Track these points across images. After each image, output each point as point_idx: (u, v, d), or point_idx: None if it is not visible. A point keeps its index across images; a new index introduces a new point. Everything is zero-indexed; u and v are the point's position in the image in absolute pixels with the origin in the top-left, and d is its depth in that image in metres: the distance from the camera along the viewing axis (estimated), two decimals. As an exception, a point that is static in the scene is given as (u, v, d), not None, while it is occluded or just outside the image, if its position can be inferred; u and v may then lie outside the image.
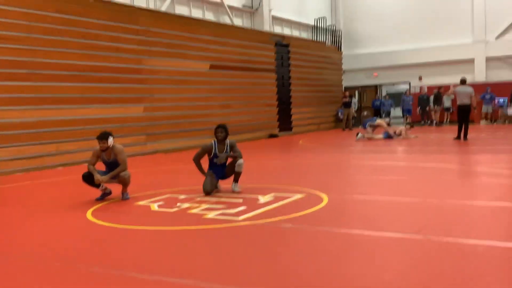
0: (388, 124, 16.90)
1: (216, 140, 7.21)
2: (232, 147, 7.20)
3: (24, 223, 5.94)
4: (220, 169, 7.23)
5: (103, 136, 6.71)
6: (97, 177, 6.71)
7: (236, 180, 7.17)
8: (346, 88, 26.38)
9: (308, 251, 4.24)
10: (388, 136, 15.86)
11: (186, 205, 6.32)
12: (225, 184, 7.40)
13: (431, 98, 23.00)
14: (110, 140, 6.73)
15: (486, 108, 22.46)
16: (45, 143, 11.52)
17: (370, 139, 15.97)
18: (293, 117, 21.50)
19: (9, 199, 8.05)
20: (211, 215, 5.68)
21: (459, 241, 4.29)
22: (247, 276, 3.66)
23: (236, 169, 7.11)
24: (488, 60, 24.33)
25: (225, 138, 7.19)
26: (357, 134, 16.48)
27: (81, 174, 6.86)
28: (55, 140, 11.74)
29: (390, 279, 3.48)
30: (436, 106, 22.83)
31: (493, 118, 22.70)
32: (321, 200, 6.30)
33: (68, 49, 12.07)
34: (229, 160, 7.29)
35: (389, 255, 4.06)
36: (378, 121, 16.51)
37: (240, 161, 7.10)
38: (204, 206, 6.21)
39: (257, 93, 19.11)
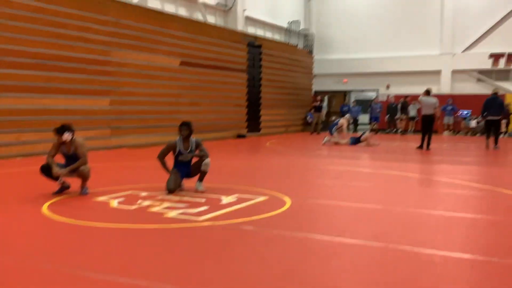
0: (350, 123, 17.16)
1: (181, 137, 7.11)
2: (198, 145, 7.11)
3: (-25, 215, 5.70)
4: (185, 167, 7.13)
5: (60, 130, 6.51)
6: (56, 170, 6.51)
7: (201, 179, 7.08)
8: (316, 93, 26.59)
9: (265, 254, 4.20)
10: (355, 142, 16.03)
11: (147, 202, 6.20)
12: (190, 183, 7.30)
13: (398, 106, 23.42)
14: (67, 134, 6.52)
15: (447, 119, 23.01)
16: (5, 132, 11.14)
17: (336, 143, 16.12)
18: (261, 119, 21.51)
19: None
20: (171, 214, 5.58)
21: (416, 250, 4.33)
22: (200, 278, 3.59)
23: (203, 168, 7.03)
24: (454, 72, 24.94)
25: (189, 135, 7.09)
26: (324, 138, 16.62)
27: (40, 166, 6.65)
28: (15, 129, 11.37)
29: (344, 285, 3.47)
30: (402, 115, 23.28)
31: (455, 129, 23.27)
32: (284, 203, 6.28)
33: (34, 36, 11.71)
34: (195, 158, 7.20)
35: (345, 262, 4.05)
36: (341, 120, 16.68)
37: (207, 160, 7.02)
38: (166, 204, 6.10)
39: (227, 92, 19.03)
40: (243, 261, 4.01)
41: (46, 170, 6.61)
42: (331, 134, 16.38)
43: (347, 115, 18.23)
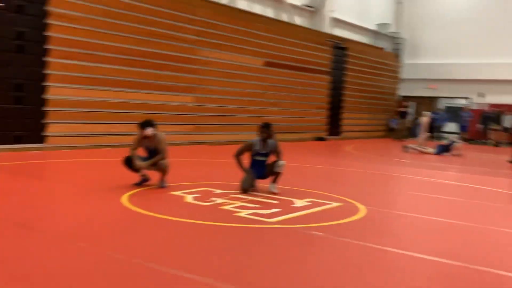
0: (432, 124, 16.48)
1: (259, 138, 7.13)
2: (275, 147, 7.10)
3: (62, 200, 6.06)
4: (260, 168, 7.14)
5: (143, 125, 6.78)
6: (137, 162, 6.78)
7: (274, 181, 7.06)
8: (402, 98, 25.67)
9: (330, 262, 4.07)
10: (441, 151, 15.25)
11: (220, 200, 6.27)
12: (264, 183, 7.30)
13: (493, 116, 22.05)
14: (150, 129, 6.76)
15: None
16: (96, 123, 11.81)
17: (421, 152, 15.42)
18: (343, 122, 21.13)
19: (53, 174, 8.29)
20: (243, 213, 5.60)
21: (490, 270, 3.99)
22: (263, 280, 3.54)
23: (276, 169, 7.00)
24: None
25: (269, 137, 7.09)
26: (408, 145, 16.00)
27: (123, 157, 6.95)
28: (105, 121, 12.02)
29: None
30: (495, 125, 21.86)
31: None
32: (358, 211, 6.09)
33: (125, 33, 12.31)
34: (270, 159, 7.19)
35: (414, 278, 3.82)
36: (423, 119, 16.00)
37: (282, 162, 6.99)
38: (238, 203, 6.13)
39: (309, 94, 18.88)
40: (309, 267, 3.91)
41: (128, 162, 6.90)
42: (416, 136, 15.78)
43: (428, 113, 17.45)
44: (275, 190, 6.97)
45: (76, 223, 4.90)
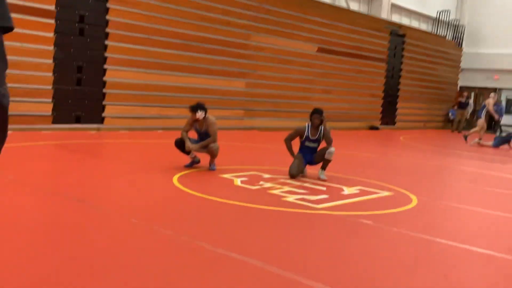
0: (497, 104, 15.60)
1: (310, 124, 7.07)
2: (325, 133, 7.02)
3: (116, 178, 6.26)
4: (310, 154, 7.09)
5: (195, 108, 6.86)
6: (188, 144, 6.90)
7: (324, 168, 6.99)
8: (462, 88, 24.71)
9: (377, 251, 3.99)
10: (500, 143, 14.53)
11: (268, 184, 6.28)
12: (313, 170, 7.24)
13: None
14: (200, 113, 6.83)
15: None
16: (149, 105, 12.10)
17: (481, 145, 14.73)
18: (398, 111, 20.61)
19: (109, 154, 8.57)
20: (290, 198, 5.58)
21: (558, 271, 3.79)
22: (309, 265, 3.52)
23: (326, 156, 6.93)
24: None
25: (321, 123, 7.02)
26: (474, 139, 15.20)
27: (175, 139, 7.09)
28: (158, 104, 12.28)
29: (467, 299, 3.15)
30: None
31: None
32: (409, 201, 5.93)
33: (181, 18, 12.48)
34: (321, 146, 7.12)
35: (467, 272, 3.69)
36: (487, 100, 15.17)
37: (332, 149, 6.91)
38: (286, 188, 6.12)
39: (363, 81, 18.50)
40: (355, 255, 3.85)
41: (180, 144, 7.03)
42: (480, 117, 15.02)
43: (492, 94, 16.57)
44: (324, 177, 6.91)
45: (129, 200, 5.05)
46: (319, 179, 6.89)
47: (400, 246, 4.20)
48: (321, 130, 7.02)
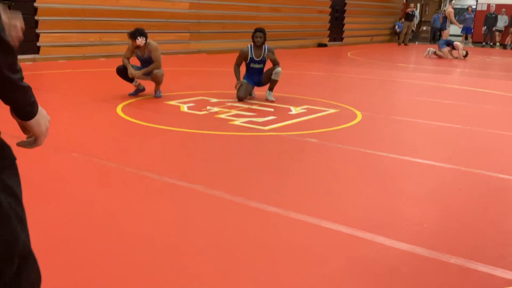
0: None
1: (253, 44, 6.91)
2: (269, 54, 6.90)
3: (56, 110, 6.00)
4: (256, 75, 7.00)
5: (133, 35, 6.50)
6: (130, 71, 6.65)
7: (271, 89, 6.94)
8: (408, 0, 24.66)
9: (320, 168, 4.08)
10: (443, 45, 14.76)
11: (215, 109, 6.20)
12: (260, 91, 7.19)
13: (499, 17, 21.24)
14: (141, 39, 6.50)
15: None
16: (88, 32, 11.46)
17: (439, 57, 14.94)
18: (345, 27, 20.48)
19: (47, 85, 8.17)
20: (237, 121, 5.56)
21: (489, 174, 4.00)
22: (255, 186, 3.56)
23: (273, 77, 6.86)
24: None
25: (263, 43, 6.88)
26: (427, 49, 15.36)
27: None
28: (98, 30, 11.65)
29: (402, 205, 3.30)
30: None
31: None
32: (355, 117, 6.03)
33: None
34: (267, 66, 7.02)
35: (407, 181, 3.84)
36: (447, 10, 15.13)
37: (278, 69, 6.83)
38: (234, 112, 6.07)
39: (310, -3, 18.11)
40: (301, 173, 3.92)
41: (122, 72, 6.76)
42: (444, 29, 15.00)
43: (453, 2, 16.58)
44: (272, 98, 6.88)
45: (70, 133, 4.88)
46: (267, 100, 6.86)
47: (344, 161, 4.30)
48: (265, 49, 6.90)
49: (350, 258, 2.57)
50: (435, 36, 22.16)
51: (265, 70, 7.03)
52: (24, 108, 1.25)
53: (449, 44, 14.92)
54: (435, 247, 2.69)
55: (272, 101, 6.81)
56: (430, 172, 4.11)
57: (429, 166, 4.22)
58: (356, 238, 2.79)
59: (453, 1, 16.93)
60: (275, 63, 6.89)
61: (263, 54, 6.91)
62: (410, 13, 21.09)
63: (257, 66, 6.97)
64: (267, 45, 6.93)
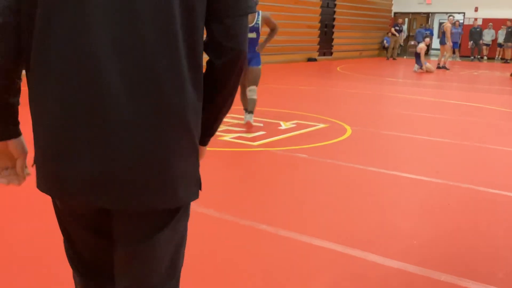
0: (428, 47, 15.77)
1: None
2: (264, 17, 5.93)
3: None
4: (251, 46, 5.72)
5: None
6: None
7: (250, 111, 6.01)
8: (396, 14, 24.98)
9: (310, 184, 4.06)
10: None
11: (205, 124, 6.17)
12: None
13: (486, 31, 21.52)
14: None
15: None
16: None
17: (428, 71, 15.02)
18: (334, 41, 20.66)
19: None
20: (226, 137, 5.53)
21: (478, 189, 4.01)
22: (243, 204, 3.53)
23: (248, 95, 5.91)
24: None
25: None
26: (414, 66, 15.44)
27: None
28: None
29: (392, 220, 3.28)
30: (507, 43, 20.59)
31: None
32: (344, 132, 6.04)
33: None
34: (261, 37, 6.01)
35: (396, 196, 3.83)
36: (419, 46, 15.18)
37: (252, 87, 5.87)
38: (223, 127, 6.05)
39: (299, 12, 18.27)
40: (292, 189, 3.90)
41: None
42: (418, 64, 15.02)
43: (427, 39, 16.79)
44: (250, 119, 6.02)
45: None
46: (245, 123, 6.05)
47: (334, 177, 4.28)
48: (258, 14, 5.84)
49: (341, 276, 2.54)
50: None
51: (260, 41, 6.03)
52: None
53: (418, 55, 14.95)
54: (425, 264, 2.67)
55: (250, 125, 6.00)
56: (419, 186, 4.10)
57: (418, 181, 4.22)
58: (347, 255, 2.76)
59: (451, 17, 17.14)
60: (273, 28, 5.96)
61: (256, 19, 5.79)
62: (398, 28, 21.34)
63: (250, 35, 5.73)
64: (261, 11, 5.85)
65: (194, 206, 3.39)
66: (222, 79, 1.19)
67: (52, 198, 1.23)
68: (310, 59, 18.84)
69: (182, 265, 1.32)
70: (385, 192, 3.96)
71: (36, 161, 1.14)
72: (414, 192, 3.99)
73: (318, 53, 19.61)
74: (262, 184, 4.05)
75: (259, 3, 16.13)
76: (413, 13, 25.99)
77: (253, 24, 5.77)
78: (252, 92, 5.90)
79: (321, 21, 19.54)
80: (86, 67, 1.04)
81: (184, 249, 1.32)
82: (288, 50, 17.75)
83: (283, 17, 17.34)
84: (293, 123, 6.42)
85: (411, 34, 25.70)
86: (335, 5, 20.29)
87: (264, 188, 3.95)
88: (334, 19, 20.40)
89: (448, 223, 3.33)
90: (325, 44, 20.08)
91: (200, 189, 1.26)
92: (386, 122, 7.12)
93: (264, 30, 6.02)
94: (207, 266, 2.58)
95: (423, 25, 24.05)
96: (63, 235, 1.32)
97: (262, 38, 6.06)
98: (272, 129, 6.04)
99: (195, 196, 1.23)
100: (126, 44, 1.04)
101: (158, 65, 1.05)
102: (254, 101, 5.97)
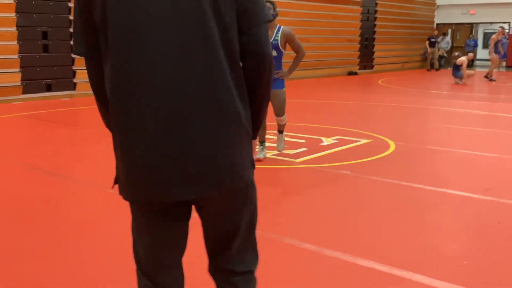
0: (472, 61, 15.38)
1: None
2: (286, 34, 5.05)
3: (91, 146, 6.14)
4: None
5: None
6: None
7: (280, 131, 5.50)
8: (438, 25, 24.53)
9: (356, 202, 4.02)
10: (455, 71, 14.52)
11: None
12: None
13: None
14: None
15: None
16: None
17: (466, 83, 14.68)
18: (375, 54, 20.46)
19: (82, 121, 8.39)
20: (268, 154, 5.55)
21: (532, 208, 3.86)
22: (287, 223, 3.53)
23: (277, 121, 5.37)
24: None
25: (274, 17, 4.95)
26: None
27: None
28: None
29: (440, 240, 3.20)
30: None
31: None
32: (387, 147, 5.95)
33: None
34: (287, 59, 5.51)
35: (443, 215, 3.74)
36: (460, 59, 14.76)
37: (282, 118, 5.32)
38: (266, 144, 6.07)
39: (339, 27, 18.23)
40: (334, 208, 3.87)
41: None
42: (455, 77, 14.69)
43: (470, 54, 16.38)
44: (281, 148, 5.53)
45: (103, 169, 4.97)
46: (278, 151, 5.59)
47: (378, 194, 4.22)
48: (278, 30, 5.05)
49: (387, 298, 2.49)
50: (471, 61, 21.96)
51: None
52: None
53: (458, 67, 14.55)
54: (475, 286, 2.59)
55: (280, 152, 5.53)
56: (467, 204, 3.99)
57: (466, 198, 4.10)
58: (393, 276, 2.71)
59: (500, 28, 16.70)
60: (299, 50, 5.18)
61: (275, 35, 5.02)
62: (433, 39, 20.96)
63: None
64: (282, 26, 5.09)
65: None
66: (256, 79, 1.46)
67: (135, 203, 1.49)
68: (350, 73, 18.71)
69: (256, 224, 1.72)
70: (431, 210, 3.87)
71: (123, 176, 1.43)
72: (462, 210, 3.88)
73: (358, 66, 19.46)
74: (305, 201, 4.03)
75: (300, 19, 16.26)
76: (456, 24, 25.45)
77: (271, 40, 4.97)
78: (281, 120, 5.36)
79: (361, 35, 19.41)
80: (160, 93, 1.33)
81: (257, 213, 1.75)
82: (328, 64, 17.70)
83: (323, 31, 17.37)
84: (335, 139, 6.39)
85: (455, 45, 25.17)
86: (375, 18, 20.13)
87: (307, 205, 3.94)
88: (374, 32, 20.23)
89: (499, 242, 3.22)
90: (366, 58, 19.91)
91: (254, 167, 1.56)
92: (430, 137, 6.97)
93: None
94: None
95: (471, 36, 23.56)
96: (135, 236, 1.56)
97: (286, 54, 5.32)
98: (314, 145, 6.02)
99: (252, 174, 1.56)
100: (186, 72, 1.33)
101: (214, 84, 1.35)
102: (284, 123, 5.45)
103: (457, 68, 14.45)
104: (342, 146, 6.01)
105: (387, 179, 4.61)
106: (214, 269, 1.66)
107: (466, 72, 14.49)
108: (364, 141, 6.33)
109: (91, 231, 3.36)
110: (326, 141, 6.31)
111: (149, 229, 1.51)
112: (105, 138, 6.66)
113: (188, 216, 1.57)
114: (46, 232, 3.33)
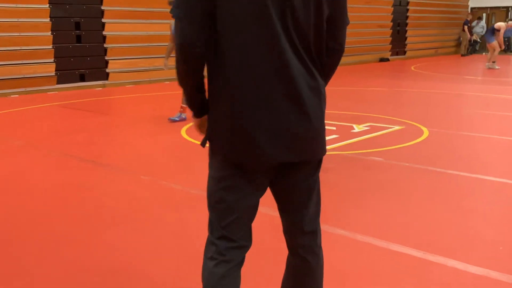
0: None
1: None
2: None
3: (125, 134, 6.26)
4: None
5: None
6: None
7: None
8: (473, 9, 23.85)
9: (389, 188, 3.98)
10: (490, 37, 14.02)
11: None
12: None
13: None
14: None
15: None
16: (154, 57, 11.92)
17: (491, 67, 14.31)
18: (408, 40, 20.06)
19: (116, 110, 8.55)
20: (299, 141, 5.53)
21: None
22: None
23: None
24: None
25: None
26: (486, 63, 14.73)
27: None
28: (163, 55, 12.07)
29: (475, 226, 3.14)
30: None
31: None
32: (421, 134, 5.86)
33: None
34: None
35: (479, 201, 3.66)
36: (499, 24, 14.19)
37: None
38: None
39: (370, 12, 17.92)
40: (366, 194, 3.85)
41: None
42: (489, 42, 14.27)
43: (510, 22, 15.75)
44: None
45: (138, 156, 5.06)
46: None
47: (411, 180, 4.17)
48: None
49: (422, 283, 2.47)
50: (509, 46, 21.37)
51: None
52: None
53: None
54: (511, 271, 2.54)
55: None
56: (503, 190, 3.90)
57: (503, 184, 4.01)
58: (427, 262, 2.69)
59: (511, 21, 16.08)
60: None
61: None
62: (467, 23, 20.44)
63: None
64: None
65: (268, 210, 3.40)
66: (333, 66, 1.84)
67: (235, 162, 1.64)
68: (382, 59, 18.42)
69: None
70: (466, 195, 3.81)
71: (231, 138, 1.59)
72: (498, 196, 3.80)
73: (390, 52, 19.13)
74: (336, 188, 4.02)
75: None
76: (491, 8, 24.69)
77: None
78: None
79: (393, 20, 19.05)
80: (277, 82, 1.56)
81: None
82: (360, 50, 17.46)
83: (354, 17, 17.08)
84: (366, 126, 6.32)
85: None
86: (407, 3, 19.71)
87: (339, 192, 3.92)
88: (407, 17, 19.82)
89: (537, 229, 3.14)
90: (398, 43, 19.55)
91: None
92: (465, 123, 6.82)
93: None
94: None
95: (508, 20, 22.77)
96: (217, 197, 1.71)
97: None
98: (345, 132, 5.98)
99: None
100: (285, 71, 1.56)
101: (302, 78, 1.60)
102: None
103: (492, 32, 14.05)
104: (374, 132, 5.95)
105: (420, 165, 4.55)
106: (294, 234, 1.89)
107: (501, 39, 14.04)
108: (396, 127, 6.24)
109: (127, 216, 3.44)
110: (357, 128, 6.25)
111: (236, 189, 1.69)
112: (137, 126, 6.77)
113: (266, 188, 1.79)
114: (83, 216, 3.42)
